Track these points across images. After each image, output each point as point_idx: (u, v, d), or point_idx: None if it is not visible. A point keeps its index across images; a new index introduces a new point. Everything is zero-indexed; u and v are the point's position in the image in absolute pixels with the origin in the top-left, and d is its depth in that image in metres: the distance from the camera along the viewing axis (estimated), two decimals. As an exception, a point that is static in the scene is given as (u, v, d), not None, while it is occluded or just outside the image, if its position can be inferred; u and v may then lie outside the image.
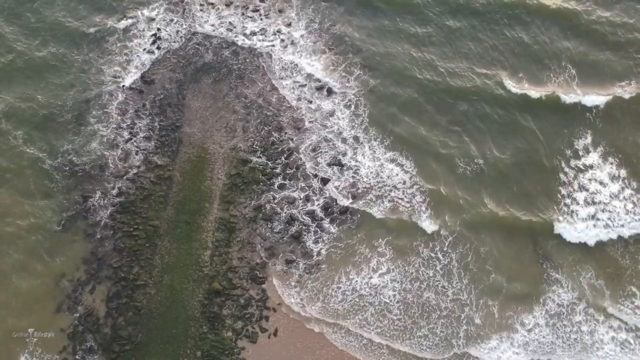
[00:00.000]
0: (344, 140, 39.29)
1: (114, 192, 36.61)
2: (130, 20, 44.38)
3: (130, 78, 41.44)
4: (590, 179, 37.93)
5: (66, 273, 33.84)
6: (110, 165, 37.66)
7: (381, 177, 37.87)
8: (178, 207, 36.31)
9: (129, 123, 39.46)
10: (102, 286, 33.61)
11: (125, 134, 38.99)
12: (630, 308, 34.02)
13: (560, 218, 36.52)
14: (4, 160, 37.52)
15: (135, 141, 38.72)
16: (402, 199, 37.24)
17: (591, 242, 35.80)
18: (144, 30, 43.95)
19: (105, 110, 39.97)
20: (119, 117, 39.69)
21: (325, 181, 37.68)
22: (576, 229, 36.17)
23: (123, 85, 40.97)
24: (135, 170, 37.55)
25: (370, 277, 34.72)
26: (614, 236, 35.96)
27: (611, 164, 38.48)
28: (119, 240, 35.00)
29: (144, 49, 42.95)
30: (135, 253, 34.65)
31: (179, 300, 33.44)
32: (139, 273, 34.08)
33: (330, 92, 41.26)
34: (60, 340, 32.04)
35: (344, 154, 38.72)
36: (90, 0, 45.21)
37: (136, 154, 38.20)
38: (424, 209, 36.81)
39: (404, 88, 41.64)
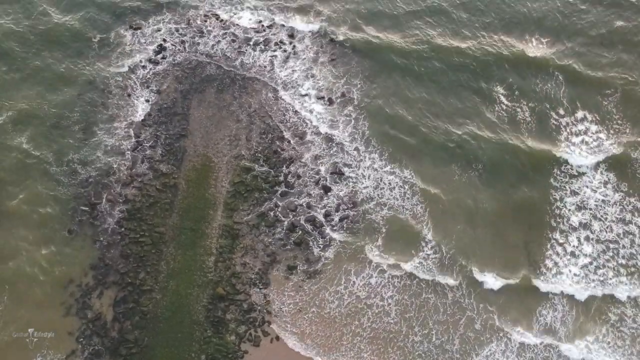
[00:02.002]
0: (345, 150, 40.24)
1: (121, 199, 37.55)
2: (135, 31, 45.37)
3: (136, 88, 42.40)
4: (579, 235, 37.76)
5: (74, 278, 34.70)
6: (117, 173, 38.60)
7: (381, 189, 38.86)
8: (183, 214, 37.22)
9: (135, 132, 40.42)
10: (110, 291, 34.47)
11: (132, 143, 39.95)
12: (616, 314, 34.98)
13: (542, 277, 36.20)
14: (13, 167, 38.43)
15: (141, 149, 39.67)
16: (402, 206, 38.27)
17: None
18: (149, 40, 44.96)
19: (112, 119, 40.94)
20: (125, 127, 40.66)
21: (327, 189, 38.64)
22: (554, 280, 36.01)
23: (129, 96, 42.01)
24: (141, 178, 38.48)
25: (370, 278, 35.76)
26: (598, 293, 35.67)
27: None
28: (126, 247, 35.89)
29: (150, 59, 43.92)
30: (142, 259, 35.54)
31: (184, 305, 34.32)
32: (145, 278, 34.97)
33: (331, 102, 42.26)
34: (69, 344, 32.85)
35: (345, 163, 39.67)
36: (95, 11, 46.26)
37: (142, 162, 39.14)
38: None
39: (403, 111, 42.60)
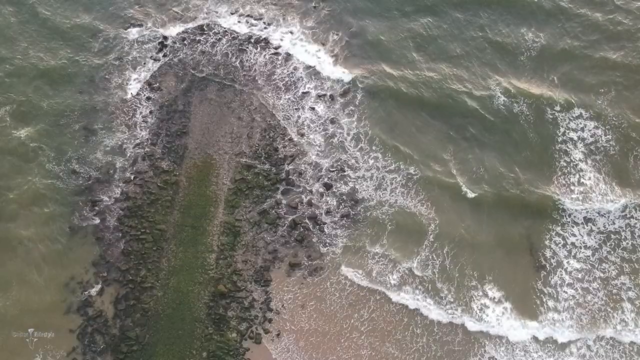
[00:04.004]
0: (346, 148, 40.15)
1: (122, 196, 37.49)
2: (136, 28, 45.34)
3: (137, 85, 42.42)
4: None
5: (76, 276, 34.69)
6: (118, 170, 38.56)
7: (384, 189, 38.72)
8: (184, 212, 37.16)
9: (136, 129, 40.39)
10: (111, 288, 34.47)
11: (133, 140, 39.91)
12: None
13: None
14: (15, 165, 38.54)
15: (142, 147, 39.62)
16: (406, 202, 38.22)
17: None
18: (150, 38, 44.92)
19: (113, 117, 40.93)
20: (127, 124, 40.64)
21: (328, 186, 38.56)
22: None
23: (130, 93, 41.99)
24: (142, 176, 38.43)
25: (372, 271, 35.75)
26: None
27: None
28: (127, 244, 35.86)
29: (151, 57, 43.89)
30: (143, 256, 35.51)
31: (185, 302, 34.26)
32: (147, 276, 34.92)
33: (332, 99, 42.19)
34: (70, 341, 32.84)
35: (346, 161, 39.57)
36: (97, 9, 46.29)
37: (143, 160, 39.09)
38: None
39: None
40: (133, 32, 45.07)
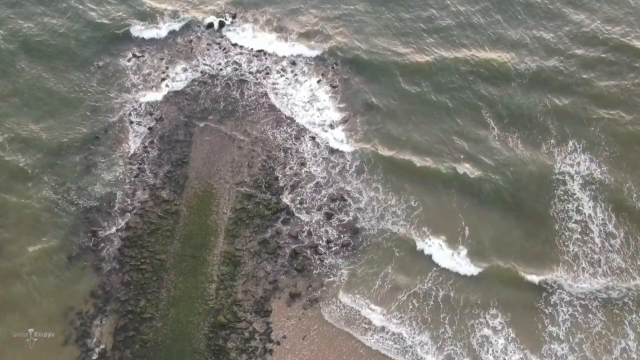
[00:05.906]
0: (347, 177, 40.31)
1: (122, 226, 37.38)
2: (138, 59, 45.86)
3: (138, 115, 42.70)
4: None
5: (74, 306, 34.29)
6: (118, 200, 38.53)
7: (385, 219, 38.73)
8: (184, 241, 37.03)
9: (137, 159, 40.51)
10: (110, 319, 34.13)
11: (133, 170, 39.99)
12: None
13: None
14: (13, 192, 38.41)
15: (143, 176, 39.68)
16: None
17: None
18: (151, 68, 45.42)
19: (113, 146, 41.07)
20: (127, 153, 40.76)
21: (329, 216, 38.60)
22: None
23: (131, 122, 42.23)
24: (142, 205, 38.40)
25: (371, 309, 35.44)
26: None
27: None
28: (127, 274, 35.59)
29: (152, 87, 44.29)
30: (142, 286, 35.22)
31: (184, 333, 33.90)
32: (146, 306, 34.60)
33: (332, 127, 42.56)
34: (68, 373, 32.49)
35: (347, 190, 39.69)
36: (99, 38, 46.99)
37: (144, 189, 39.10)
38: None
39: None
40: (135, 63, 45.58)
